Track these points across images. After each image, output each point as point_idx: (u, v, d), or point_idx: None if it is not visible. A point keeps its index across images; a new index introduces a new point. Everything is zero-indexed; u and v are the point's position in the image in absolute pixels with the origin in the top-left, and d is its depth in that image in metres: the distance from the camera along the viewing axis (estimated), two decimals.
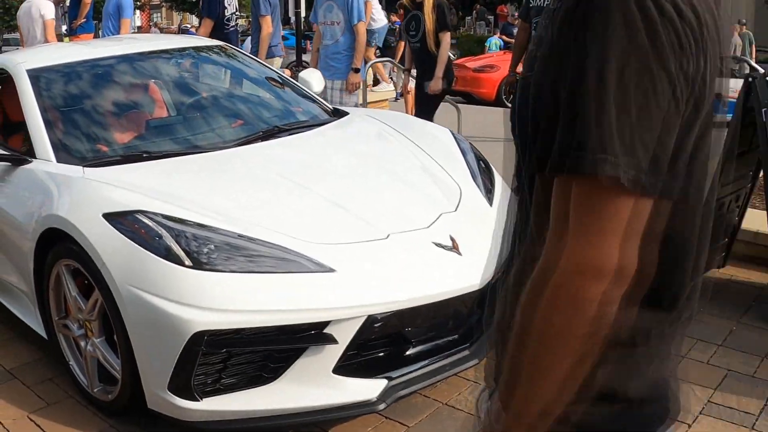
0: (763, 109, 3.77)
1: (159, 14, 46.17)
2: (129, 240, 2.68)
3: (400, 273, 2.81)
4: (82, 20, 7.89)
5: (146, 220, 2.72)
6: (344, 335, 2.67)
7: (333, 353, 2.68)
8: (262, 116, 3.97)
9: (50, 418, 3.01)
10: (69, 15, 8.02)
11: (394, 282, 2.77)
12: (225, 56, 4.39)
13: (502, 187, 3.60)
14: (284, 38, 10.34)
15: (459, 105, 8.57)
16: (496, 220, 3.35)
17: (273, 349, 2.68)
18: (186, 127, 3.73)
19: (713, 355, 3.47)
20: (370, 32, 10.40)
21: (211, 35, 6.20)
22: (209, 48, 4.50)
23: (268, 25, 6.61)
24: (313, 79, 4.43)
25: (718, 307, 3.93)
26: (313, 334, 2.65)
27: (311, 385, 2.70)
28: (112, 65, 3.84)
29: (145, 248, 2.66)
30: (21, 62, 3.73)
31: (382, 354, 2.86)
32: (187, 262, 2.62)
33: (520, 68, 5.40)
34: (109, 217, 2.76)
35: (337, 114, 4.11)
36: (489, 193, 3.49)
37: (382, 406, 2.75)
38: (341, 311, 2.66)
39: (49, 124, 3.40)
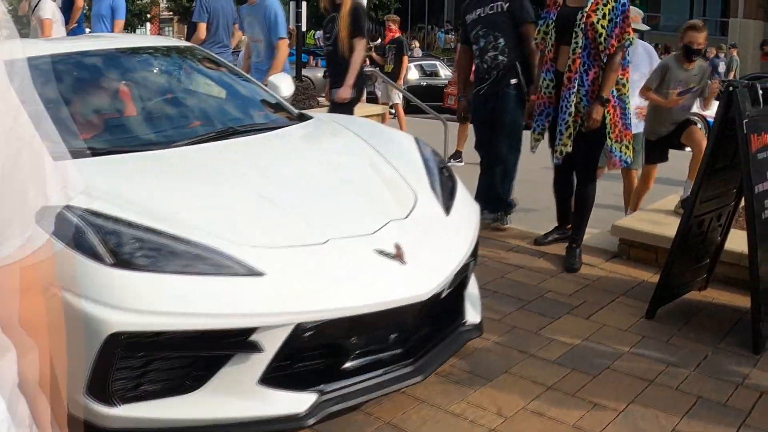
0: (744, 121, 3.58)
1: (170, 28, 46.43)
2: (51, 235, 2.54)
3: (336, 280, 2.64)
4: (74, 25, 7.88)
5: (71, 216, 2.58)
6: (271, 343, 2.51)
7: (259, 362, 2.53)
8: (221, 117, 3.84)
9: None
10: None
11: (329, 289, 2.61)
12: (192, 58, 4.27)
13: (462, 197, 3.44)
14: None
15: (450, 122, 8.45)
16: (454, 229, 3.19)
17: (197, 356, 2.53)
18: (140, 126, 3.60)
19: (684, 380, 3.27)
20: None
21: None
22: (177, 49, 4.38)
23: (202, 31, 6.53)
24: (282, 83, 4.30)
25: (695, 331, 3.74)
26: (238, 341, 2.50)
27: (235, 395, 2.54)
28: (72, 61, 3.72)
29: (68, 245, 2.52)
30: None
31: (315, 365, 2.70)
32: (109, 260, 2.48)
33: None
34: (45, 209, 2.62)
35: (302, 119, 3.98)
36: (448, 201, 3.33)
37: (310, 421, 2.58)
38: (268, 318, 2.50)
39: None
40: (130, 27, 35.48)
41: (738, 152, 3.63)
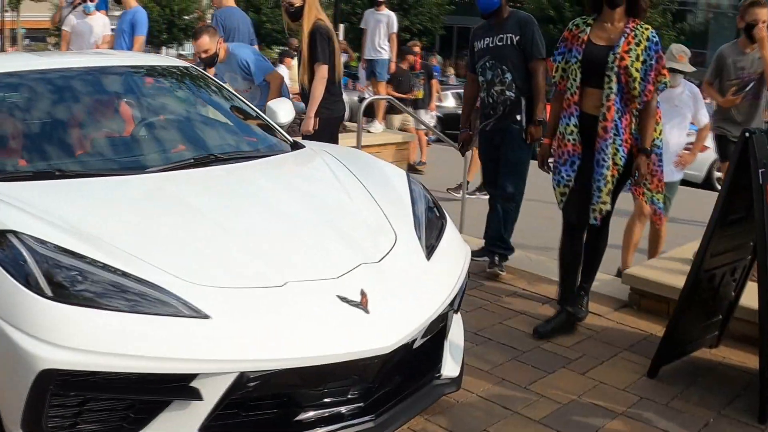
0: (760, 170, 3.32)
1: None
2: None
3: (288, 327, 2.46)
4: None
5: (16, 242, 2.47)
6: (212, 392, 2.35)
7: (200, 410, 2.36)
8: (205, 143, 3.71)
9: None
10: None
11: (280, 337, 2.44)
12: (188, 79, 4.15)
13: (450, 240, 3.25)
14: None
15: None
16: (433, 276, 2.99)
17: (135, 399, 2.38)
18: (119, 149, 3.50)
19: None
20: (374, 62, 10.11)
21: None
22: (173, 69, 4.27)
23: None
24: (281, 109, 4.16)
25: (699, 394, 3.47)
26: (177, 387, 2.34)
27: None
28: (59, 79, 3.64)
29: (7, 272, 2.41)
30: None
31: (265, 416, 2.52)
32: (48, 292, 2.35)
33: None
34: None
35: (295, 147, 3.83)
36: (433, 243, 3.14)
37: None
38: (210, 364, 2.34)
39: None
40: (176, 42, 35.91)
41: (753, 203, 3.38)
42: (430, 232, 3.22)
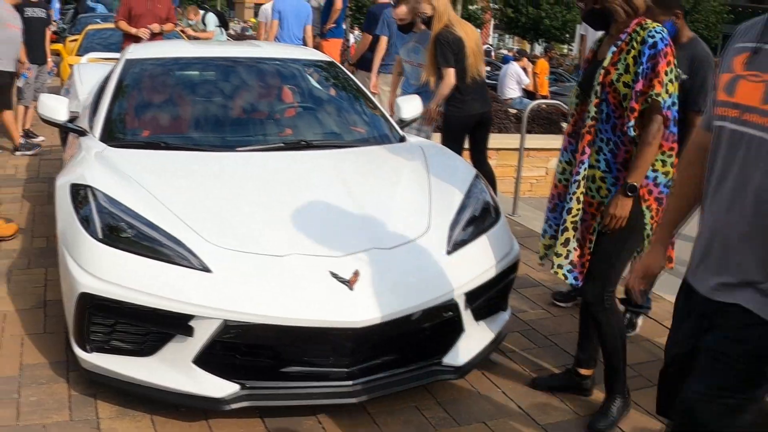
0: None
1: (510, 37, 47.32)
2: (72, 206, 3.21)
3: (272, 290, 2.92)
4: (332, 25, 8.71)
5: (89, 195, 3.22)
6: (203, 332, 2.89)
7: (194, 345, 2.92)
8: (309, 130, 4.23)
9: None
10: (321, 19, 8.91)
11: (261, 296, 2.90)
12: (326, 72, 4.69)
13: (491, 240, 3.47)
14: None
15: None
16: (445, 268, 3.23)
17: (150, 329, 2.99)
18: (233, 129, 4.16)
19: None
20: None
21: None
22: (314, 62, 4.84)
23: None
24: (406, 106, 4.56)
25: None
26: (179, 324, 2.91)
27: (175, 368, 2.96)
28: (202, 65, 4.39)
29: (77, 214, 3.16)
30: (130, 52, 4.47)
31: (253, 362, 3.00)
32: (99, 235, 3.07)
33: None
34: (73, 185, 3.33)
35: (401, 141, 4.26)
36: (464, 240, 3.39)
37: (225, 408, 2.91)
38: (201, 309, 2.88)
39: (113, 107, 4.07)
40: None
41: None
42: (468, 229, 3.46)
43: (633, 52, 2.93)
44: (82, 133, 4.04)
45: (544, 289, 4.80)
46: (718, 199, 2.00)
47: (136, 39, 7.50)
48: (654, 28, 2.92)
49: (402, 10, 6.00)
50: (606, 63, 3.00)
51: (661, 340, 3.72)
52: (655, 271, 2.38)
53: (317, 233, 3.20)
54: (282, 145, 3.97)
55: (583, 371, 3.48)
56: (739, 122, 1.94)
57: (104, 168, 3.49)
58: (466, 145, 5.71)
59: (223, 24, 13.07)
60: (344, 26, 9.28)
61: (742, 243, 1.93)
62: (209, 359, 2.95)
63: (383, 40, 7.33)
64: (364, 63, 7.89)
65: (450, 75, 5.24)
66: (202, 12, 13.67)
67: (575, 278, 3.22)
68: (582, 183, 3.08)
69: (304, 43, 8.54)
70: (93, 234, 3.07)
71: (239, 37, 21.62)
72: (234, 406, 2.92)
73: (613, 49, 2.99)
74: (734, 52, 2.02)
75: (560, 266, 3.19)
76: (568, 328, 4.18)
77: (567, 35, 38.15)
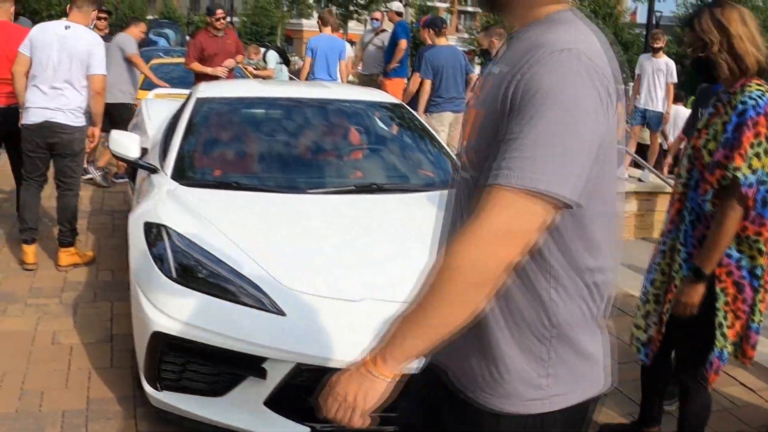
0: None
1: None
2: (145, 243, 3.26)
3: (347, 334, 2.91)
4: (396, 64, 8.75)
5: (164, 233, 3.26)
6: (276, 374, 2.89)
7: (266, 387, 2.91)
8: (379, 173, 4.24)
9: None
10: (385, 58, 8.97)
11: (336, 341, 2.89)
12: (394, 115, 4.70)
13: None
14: None
15: None
16: None
17: (220, 369, 2.99)
18: (304, 171, 4.18)
19: None
20: (646, 111, 9.68)
21: None
22: (383, 104, 4.85)
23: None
24: None
25: None
26: (252, 366, 2.91)
27: (245, 410, 2.96)
28: (271, 105, 4.44)
29: (151, 253, 3.20)
30: (200, 90, 4.55)
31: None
32: (173, 274, 3.10)
33: None
34: (147, 223, 3.38)
35: None
36: None
37: None
38: (275, 352, 2.88)
39: (184, 146, 4.14)
40: None
41: None
42: None
43: (725, 117, 2.71)
44: (153, 170, 4.11)
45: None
46: None
47: (209, 77, 7.58)
48: (754, 92, 2.66)
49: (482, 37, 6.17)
50: (700, 125, 2.84)
51: None
52: None
53: (391, 278, 3.19)
54: (353, 188, 3.99)
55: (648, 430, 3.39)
56: None
57: (177, 207, 3.54)
58: None
59: (285, 61, 13.13)
60: (407, 66, 9.29)
61: None
62: (280, 401, 2.94)
63: (426, 84, 7.37)
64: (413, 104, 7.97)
65: None
66: (263, 50, 13.81)
67: (646, 355, 3.07)
68: (667, 254, 2.95)
69: (340, 80, 8.59)
70: (167, 273, 3.11)
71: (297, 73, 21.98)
72: None
73: (711, 110, 2.81)
74: None
75: (638, 339, 3.07)
76: (634, 376, 4.09)
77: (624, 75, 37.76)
